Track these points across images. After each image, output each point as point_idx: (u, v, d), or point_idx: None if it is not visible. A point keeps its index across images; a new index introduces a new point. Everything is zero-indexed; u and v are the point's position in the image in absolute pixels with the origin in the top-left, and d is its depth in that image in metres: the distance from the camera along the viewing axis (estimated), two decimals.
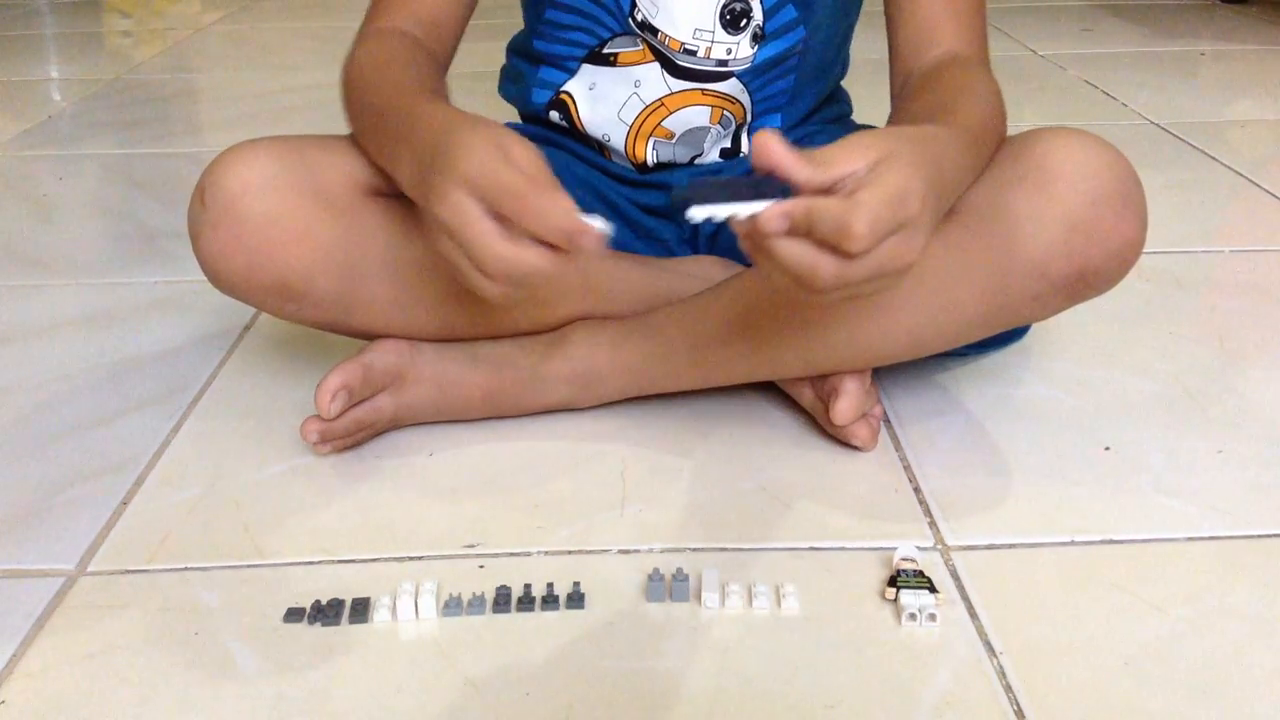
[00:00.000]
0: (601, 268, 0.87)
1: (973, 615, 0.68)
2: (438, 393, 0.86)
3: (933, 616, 0.67)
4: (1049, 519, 0.77)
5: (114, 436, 0.89)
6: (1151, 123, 1.64)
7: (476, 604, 0.69)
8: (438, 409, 0.87)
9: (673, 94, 0.88)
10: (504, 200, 0.63)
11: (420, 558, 0.74)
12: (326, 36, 2.34)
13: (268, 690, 0.63)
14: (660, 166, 0.91)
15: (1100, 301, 0.84)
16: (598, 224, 0.63)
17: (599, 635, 0.67)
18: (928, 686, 0.63)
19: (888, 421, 0.89)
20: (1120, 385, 0.94)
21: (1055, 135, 0.77)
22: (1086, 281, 0.77)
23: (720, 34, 0.86)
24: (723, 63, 0.87)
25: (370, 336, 0.86)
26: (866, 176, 0.61)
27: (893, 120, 0.82)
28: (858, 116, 1.00)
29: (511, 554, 0.74)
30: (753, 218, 0.61)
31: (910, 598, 0.67)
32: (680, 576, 0.70)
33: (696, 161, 0.91)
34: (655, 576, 0.70)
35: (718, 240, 0.93)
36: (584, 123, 0.91)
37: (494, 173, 0.64)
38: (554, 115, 0.92)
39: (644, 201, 0.92)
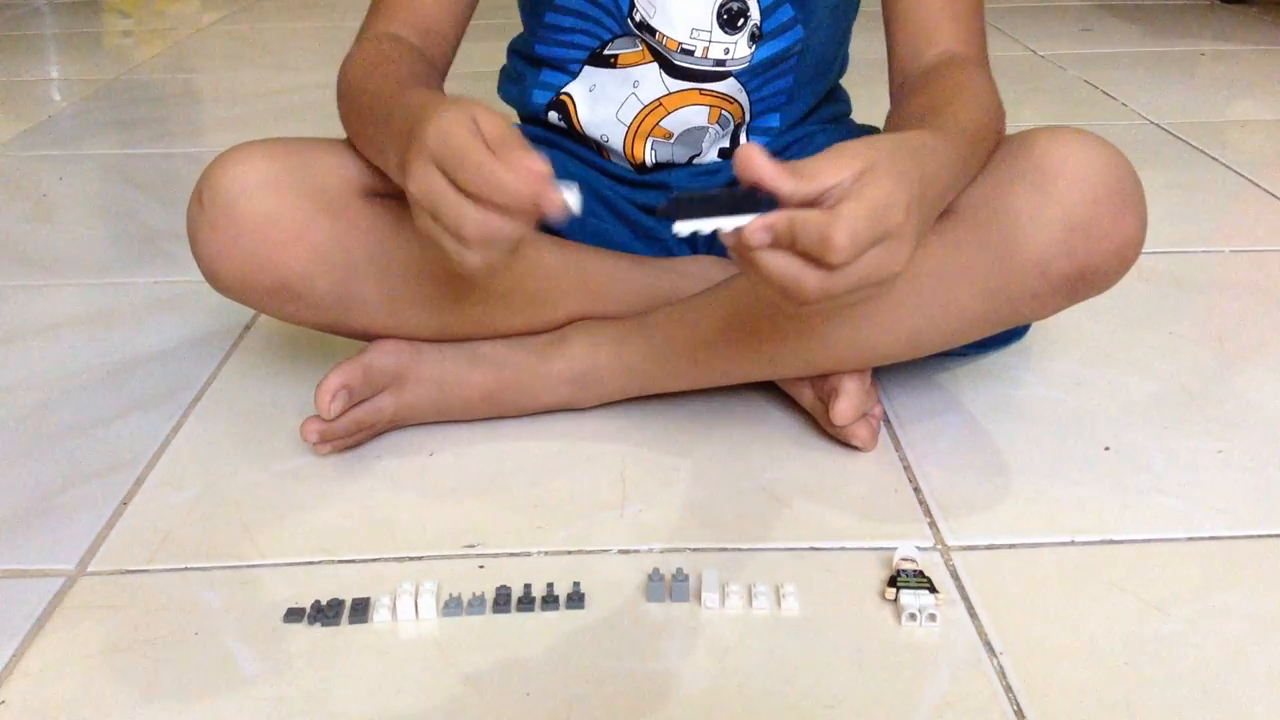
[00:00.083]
0: (601, 268, 0.87)
1: (973, 615, 0.68)
2: (438, 393, 0.86)
3: (933, 616, 0.67)
4: (1049, 519, 0.77)
5: (114, 436, 0.89)
6: (1151, 123, 1.64)
7: (476, 604, 0.69)
8: (438, 409, 0.87)
9: (671, 94, 0.88)
10: (458, 171, 0.63)
11: (420, 558, 0.74)
12: (326, 36, 2.34)
13: (268, 690, 0.63)
14: (659, 166, 0.91)
15: (1100, 301, 0.84)
16: (568, 194, 0.62)
17: (599, 635, 0.67)
18: (928, 686, 0.63)
19: (888, 421, 0.89)
20: (1120, 385, 0.94)
21: (1055, 134, 0.77)
22: (1086, 280, 0.77)
23: (718, 34, 0.86)
24: (720, 62, 0.87)
25: (370, 337, 0.86)
26: (850, 188, 0.61)
27: (889, 121, 0.83)
28: (857, 116, 1.00)
29: (511, 554, 0.74)
30: (738, 231, 0.61)
31: (910, 598, 0.67)
32: (680, 576, 0.70)
33: (695, 161, 0.91)
34: (655, 576, 0.70)
35: (717, 240, 0.92)
36: (582, 123, 0.91)
37: (452, 141, 0.63)
38: (553, 116, 0.92)
39: (643, 201, 0.92)
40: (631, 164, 0.92)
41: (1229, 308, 1.08)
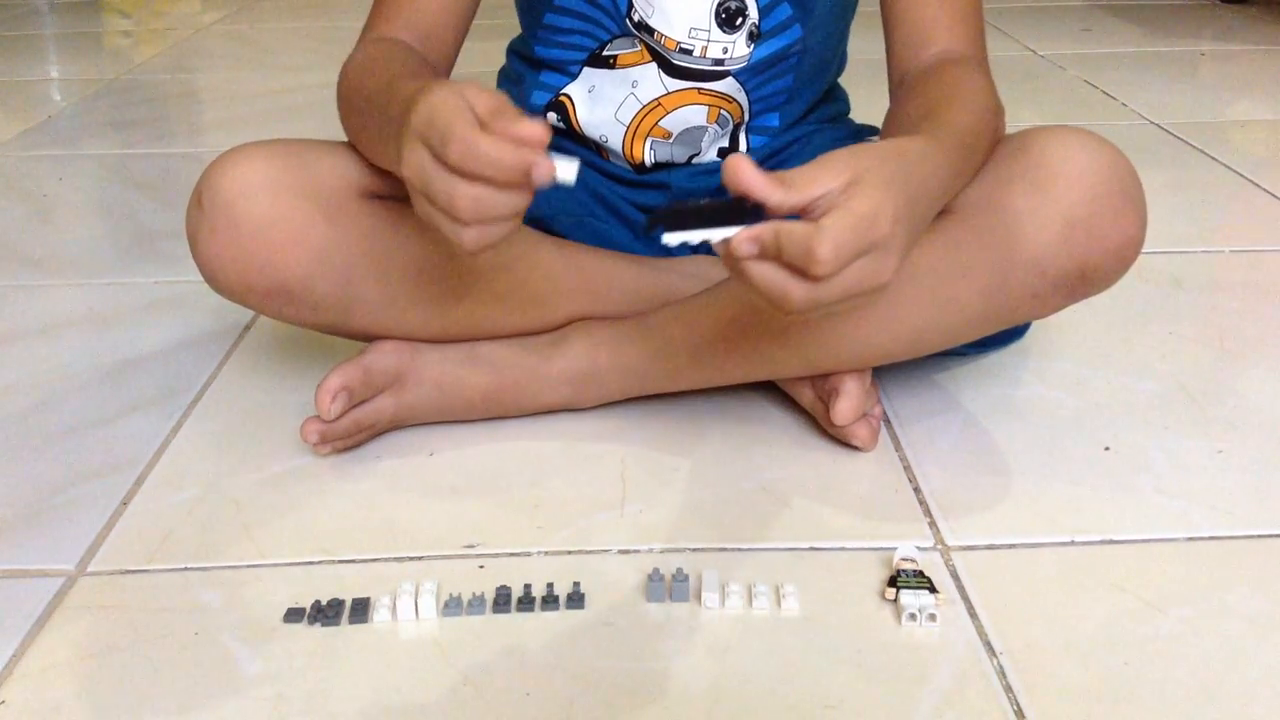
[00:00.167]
0: (601, 268, 0.87)
1: (973, 615, 0.68)
2: (438, 393, 0.86)
3: (933, 616, 0.67)
4: (1049, 519, 0.77)
5: (114, 436, 0.89)
6: (1151, 123, 1.64)
7: (476, 604, 0.69)
8: (438, 410, 0.87)
9: (669, 94, 0.88)
10: (444, 147, 0.61)
11: (420, 558, 0.74)
12: (326, 36, 2.34)
13: (268, 690, 0.63)
14: (658, 166, 0.91)
15: (1100, 301, 0.84)
16: (562, 164, 0.61)
17: (599, 635, 0.67)
18: (928, 686, 0.63)
19: (888, 421, 0.89)
20: (1120, 385, 0.94)
21: (1054, 133, 0.77)
22: (1086, 279, 0.77)
23: (716, 33, 0.86)
24: (719, 62, 0.87)
25: (370, 338, 0.86)
26: (838, 199, 0.61)
27: (887, 121, 0.83)
28: (856, 115, 1.00)
29: (511, 554, 0.74)
30: (726, 241, 0.61)
31: (910, 598, 0.67)
32: (680, 576, 0.70)
33: (694, 161, 0.91)
34: (655, 576, 0.70)
35: None
36: (581, 124, 0.91)
37: (438, 118, 0.62)
38: (552, 117, 0.92)
39: (642, 201, 0.92)
40: (631, 164, 0.92)
41: (1229, 308, 1.08)
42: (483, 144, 0.60)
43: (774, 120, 0.92)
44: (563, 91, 0.91)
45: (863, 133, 0.97)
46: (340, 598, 0.70)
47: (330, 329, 0.86)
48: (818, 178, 0.62)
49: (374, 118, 0.75)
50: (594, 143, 0.92)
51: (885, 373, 0.92)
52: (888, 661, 0.65)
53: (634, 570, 0.72)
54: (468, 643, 0.67)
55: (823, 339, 0.81)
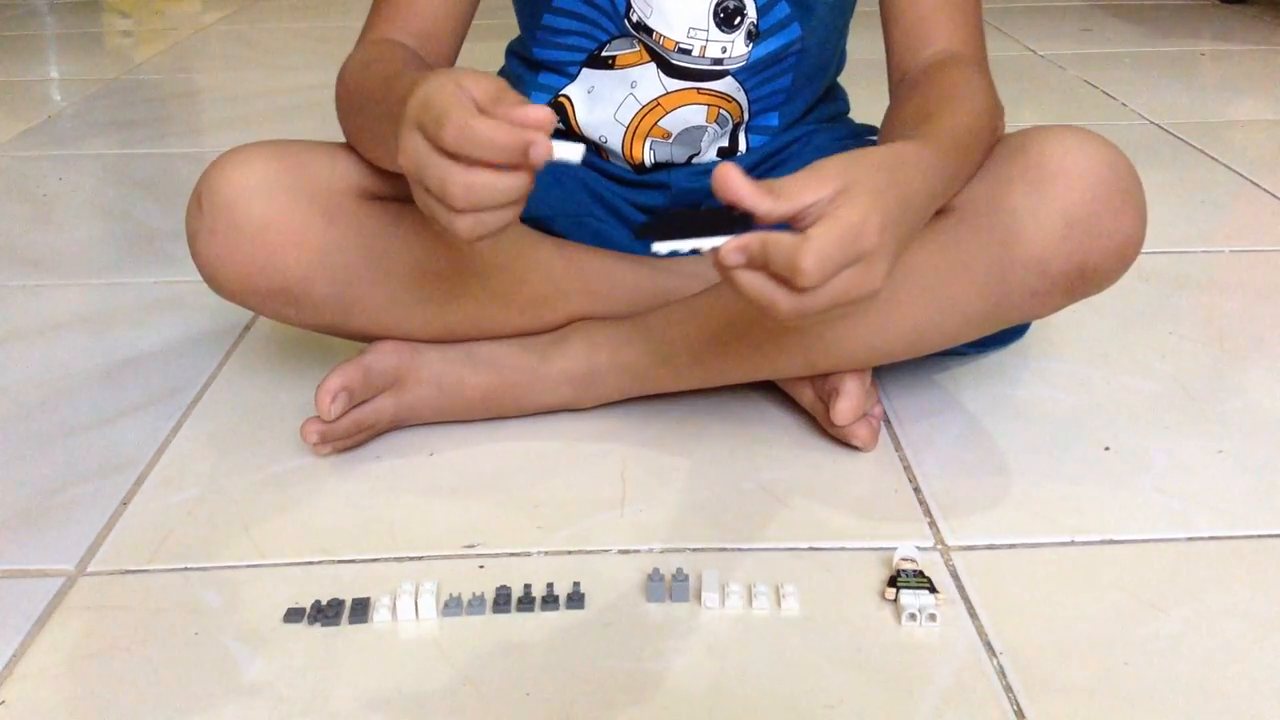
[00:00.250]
0: (601, 268, 0.87)
1: (973, 615, 0.68)
2: (438, 394, 0.86)
3: (933, 616, 0.67)
4: (1049, 519, 0.77)
5: (114, 436, 0.89)
6: (1151, 123, 1.65)
7: (476, 604, 0.69)
8: (438, 410, 0.87)
9: (668, 94, 0.88)
10: (439, 131, 0.61)
11: (420, 558, 0.74)
12: (326, 36, 2.34)
13: (268, 690, 0.63)
14: (658, 166, 0.91)
15: (1100, 301, 0.84)
16: (569, 147, 0.60)
17: (599, 635, 0.67)
18: (928, 686, 0.63)
19: (888, 421, 0.89)
20: (1120, 385, 0.94)
21: (1054, 132, 0.77)
22: (1086, 278, 0.77)
23: (715, 32, 0.86)
24: (718, 61, 0.87)
25: (370, 338, 0.86)
26: (826, 208, 0.62)
27: (886, 120, 0.83)
28: (855, 115, 1.00)
29: (511, 554, 0.74)
30: (716, 249, 0.62)
31: (910, 598, 0.67)
32: (680, 576, 0.70)
33: (694, 160, 0.91)
34: (655, 576, 0.70)
35: None
36: (581, 125, 0.91)
37: (433, 104, 0.61)
38: None
39: (642, 201, 0.92)
40: (630, 164, 0.92)
41: (1229, 308, 1.08)
42: (478, 125, 0.59)
43: (773, 120, 0.92)
44: (561, 93, 0.91)
45: (862, 132, 0.97)
46: (340, 598, 0.70)
47: (330, 330, 0.86)
48: (807, 187, 0.62)
49: (372, 116, 0.75)
50: (593, 143, 0.92)
51: (885, 373, 0.92)
52: (888, 661, 0.65)
53: (634, 570, 0.72)
54: (468, 643, 0.67)
55: (823, 339, 0.81)
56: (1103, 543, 0.75)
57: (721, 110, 0.89)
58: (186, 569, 0.73)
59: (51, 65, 2.24)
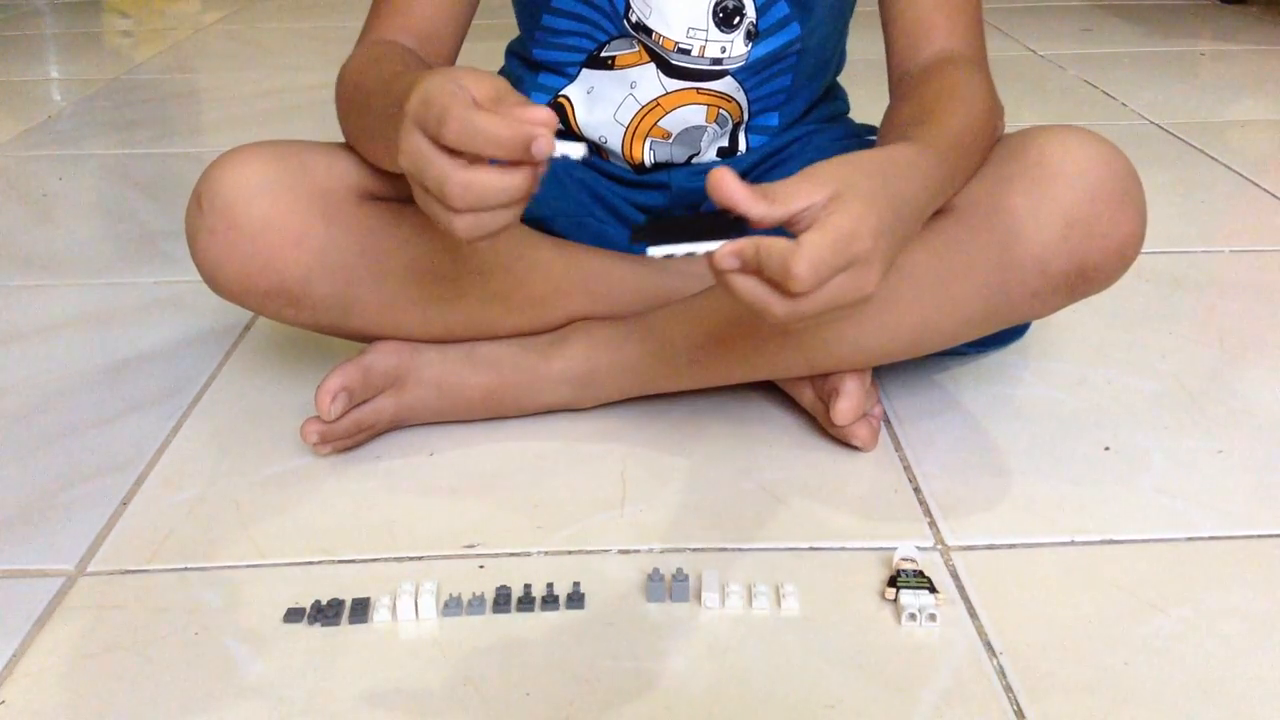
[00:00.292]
0: (601, 268, 0.87)
1: (973, 615, 0.68)
2: (438, 394, 0.86)
3: (933, 616, 0.67)
4: (1049, 519, 0.77)
5: (114, 436, 0.89)
6: (1151, 123, 1.65)
7: (476, 604, 0.69)
8: (438, 410, 0.87)
9: (668, 94, 0.88)
10: (440, 128, 0.60)
11: (420, 558, 0.74)
12: (326, 36, 2.34)
13: (268, 690, 0.63)
14: (658, 166, 0.91)
15: (1100, 301, 0.84)
16: (573, 146, 0.60)
17: (599, 635, 0.67)
18: (928, 686, 0.63)
19: (888, 421, 0.89)
20: (1120, 385, 0.94)
21: (1054, 132, 0.77)
22: (1086, 278, 0.77)
23: (714, 32, 0.86)
24: (717, 61, 0.87)
25: (369, 338, 0.86)
26: (819, 213, 0.62)
27: (884, 122, 0.83)
28: (855, 115, 1.00)
29: (511, 554, 0.74)
30: (710, 254, 0.62)
31: (910, 598, 0.67)
32: (680, 576, 0.70)
33: (694, 160, 0.91)
34: (655, 576, 0.70)
35: None
36: (581, 125, 0.91)
37: (433, 101, 0.61)
38: None
39: (642, 202, 0.92)
40: (630, 164, 0.91)
41: (1229, 308, 1.08)
42: (480, 119, 0.59)
43: (773, 120, 0.92)
44: (561, 93, 0.91)
45: (862, 132, 0.97)
46: (340, 598, 0.70)
47: (330, 330, 0.86)
48: (800, 191, 0.62)
49: (372, 117, 0.75)
50: (593, 144, 0.92)
51: (885, 373, 0.92)
52: (888, 661, 0.64)
53: (634, 570, 0.72)
54: (468, 643, 0.67)
55: (823, 339, 0.81)
56: (1103, 543, 0.75)
57: (721, 110, 0.89)
58: (186, 569, 0.73)
59: (51, 65, 2.24)
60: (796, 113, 0.92)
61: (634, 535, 0.76)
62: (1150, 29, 2.26)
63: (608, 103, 0.90)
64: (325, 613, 0.68)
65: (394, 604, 0.69)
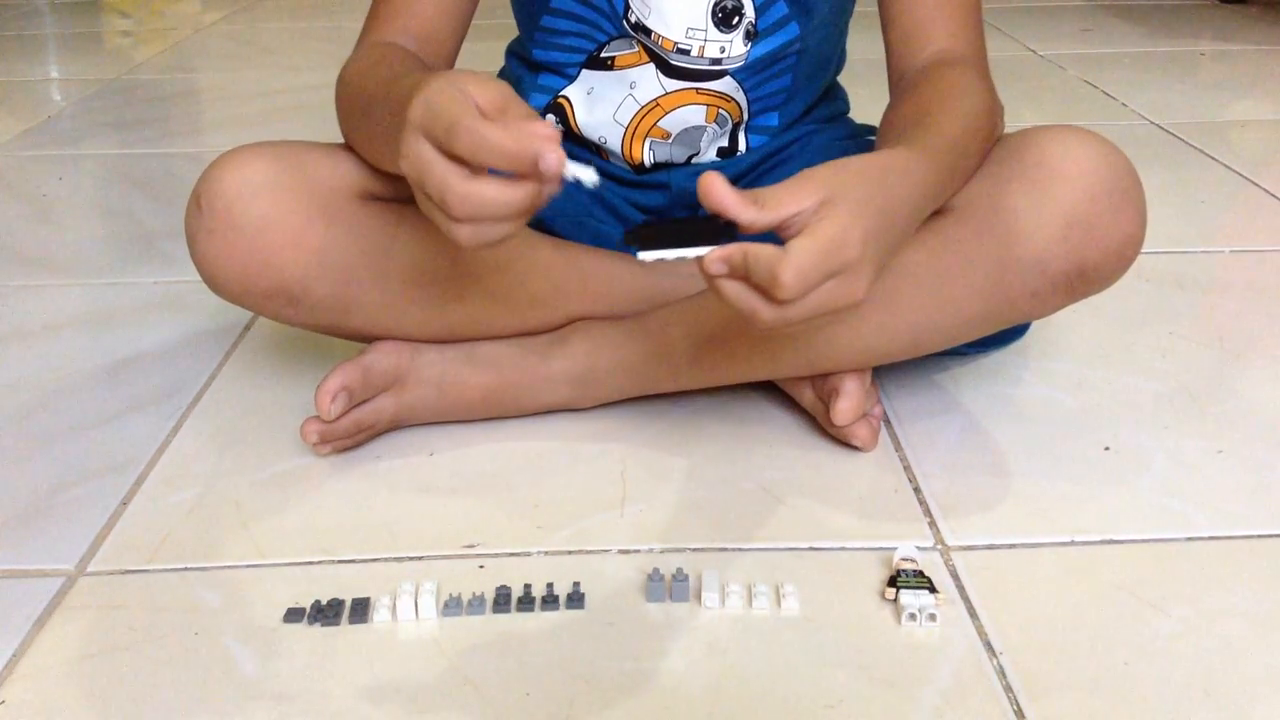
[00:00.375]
0: (601, 268, 0.87)
1: (973, 615, 0.68)
2: (438, 394, 0.86)
3: (933, 616, 0.67)
4: (1049, 519, 0.77)
5: (114, 436, 0.89)
6: (1151, 123, 1.65)
7: (476, 604, 0.69)
8: (438, 410, 0.87)
9: (667, 94, 0.88)
10: (450, 138, 0.60)
11: (420, 558, 0.74)
12: (326, 36, 2.34)
13: (268, 690, 0.63)
14: (657, 166, 0.91)
15: (1100, 301, 0.84)
16: (584, 171, 0.61)
17: (599, 635, 0.67)
18: (928, 686, 0.63)
19: (888, 421, 0.89)
20: (1120, 385, 0.94)
21: (1054, 132, 0.77)
22: (1086, 278, 0.77)
23: (713, 32, 0.86)
24: (716, 61, 0.87)
25: (369, 338, 0.86)
26: (809, 219, 0.62)
27: (882, 122, 0.83)
28: (855, 114, 1.00)
29: (511, 554, 0.74)
30: (700, 259, 0.62)
31: (910, 598, 0.67)
32: (680, 576, 0.70)
33: (694, 160, 0.91)
34: (655, 576, 0.70)
35: None
36: (580, 126, 0.91)
37: (439, 109, 0.61)
38: (550, 119, 0.92)
39: (642, 202, 0.92)
40: (630, 165, 0.91)
41: (1229, 308, 1.08)
42: (489, 133, 0.59)
43: (773, 120, 0.91)
44: (561, 94, 0.91)
45: (862, 132, 0.97)
46: (340, 598, 0.70)
47: (329, 330, 0.86)
48: (790, 197, 0.63)
49: (373, 119, 0.75)
50: (593, 144, 0.92)
51: (885, 373, 0.92)
52: (888, 661, 0.64)
53: (634, 570, 0.72)
54: (468, 643, 0.67)
55: (823, 339, 0.81)
56: (1103, 543, 0.75)
57: (721, 110, 0.89)
58: (186, 569, 0.73)
59: (51, 65, 2.24)
60: (796, 113, 0.92)
61: (634, 535, 0.76)
62: (1150, 29, 2.26)
63: (607, 103, 0.90)
64: (325, 613, 0.68)
65: (394, 604, 0.69)
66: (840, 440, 0.85)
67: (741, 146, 0.92)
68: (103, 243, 1.28)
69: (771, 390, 0.90)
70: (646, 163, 0.91)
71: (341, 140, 0.84)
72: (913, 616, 0.67)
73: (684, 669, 0.64)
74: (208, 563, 0.74)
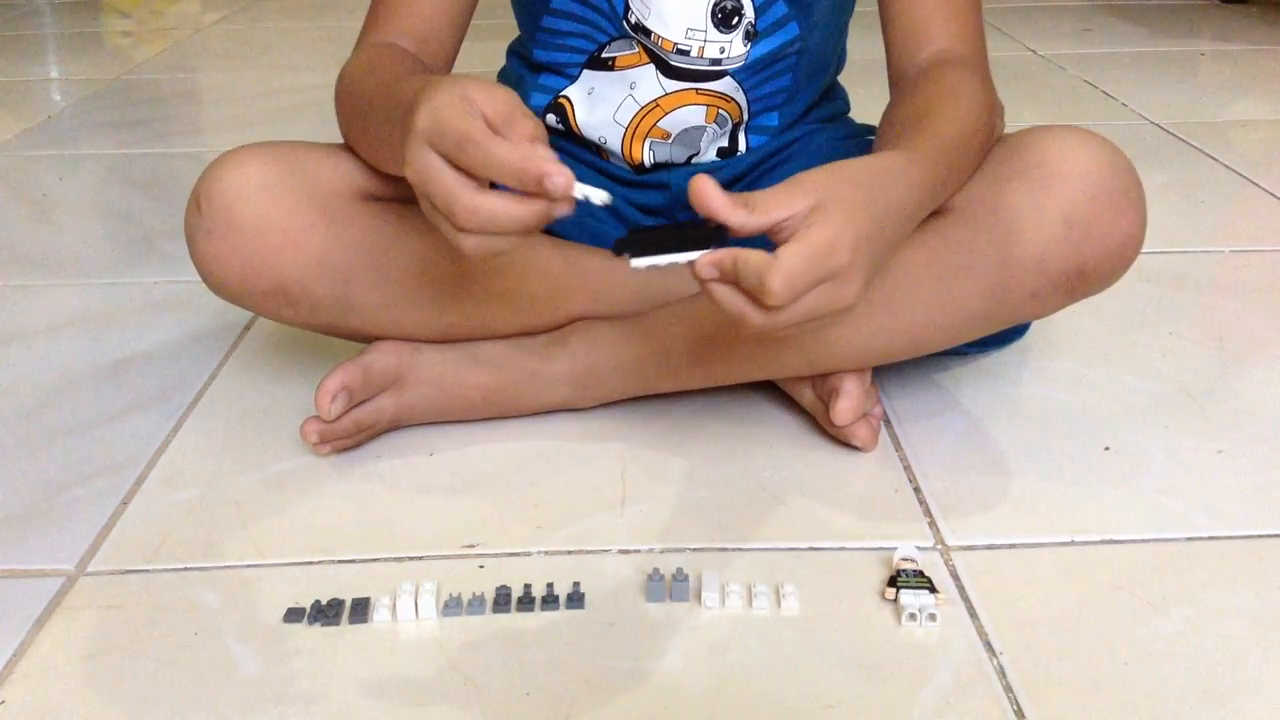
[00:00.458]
0: (601, 268, 0.87)
1: (973, 615, 0.68)
2: (438, 393, 0.86)
3: (933, 616, 0.67)
4: (1049, 519, 0.77)
5: (114, 436, 0.89)
6: (1151, 123, 1.64)
7: (476, 604, 0.69)
8: (438, 410, 0.87)
9: (667, 94, 0.88)
10: (457, 150, 0.61)
11: (420, 558, 0.74)
12: (326, 36, 2.34)
13: (268, 690, 0.63)
14: (657, 166, 0.91)
15: (1100, 301, 0.84)
16: (594, 192, 0.61)
17: (599, 635, 0.67)
18: (928, 686, 0.63)
19: (888, 421, 0.89)
20: (1120, 385, 0.94)
21: (1054, 132, 0.77)
22: (1086, 278, 0.77)
23: (713, 33, 0.86)
24: (716, 61, 0.87)
25: (369, 338, 0.86)
26: (799, 224, 0.62)
27: (881, 123, 0.83)
28: (855, 114, 1.00)
29: (511, 554, 0.74)
30: (692, 263, 0.63)
31: (910, 598, 0.67)
32: (680, 576, 0.70)
33: (694, 160, 0.91)
34: (655, 576, 0.70)
35: None
36: (580, 126, 0.91)
37: (447, 121, 0.61)
38: (550, 119, 0.92)
39: (642, 202, 0.92)
40: (630, 165, 0.91)
41: (1229, 308, 1.08)
42: (499, 152, 0.60)
43: (773, 120, 0.91)
44: (561, 94, 0.91)
45: (862, 132, 0.97)
46: (340, 598, 0.70)
47: (329, 330, 0.86)
48: (781, 201, 0.63)
49: (374, 122, 0.75)
50: (593, 144, 0.92)
51: (885, 373, 0.92)
52: (888, 661, 0.64)
53: (634, 570, 0.72)
54: (468, 643, 0.67)
55: (822, 339, 0.81)
56: (1103, 543, 0.75)
57: (720, 110, 0.89)
58: (186, 569, 0.73)
59: (51, 65, 2.24)
60: (796, 113, 0.92)
61: (634, 535, 0.76)
62: (1150, 29, 2.26)
63: (607, 103, 0.90)
64: (325, 613, 0.68)
65: (394, 604, 0.69)
66: (840, 440, 0.85)
67: (741, 147, 0.92)
68: (103, 243, 1.28)
69: (771, 390, 0.90)
70: (646, 163, 0.91)
71: (341, 140, 0.84)
72: (913, 616, 0.67)
73: (684, 669, 0.64)
74: (208, 563, 0.74)
